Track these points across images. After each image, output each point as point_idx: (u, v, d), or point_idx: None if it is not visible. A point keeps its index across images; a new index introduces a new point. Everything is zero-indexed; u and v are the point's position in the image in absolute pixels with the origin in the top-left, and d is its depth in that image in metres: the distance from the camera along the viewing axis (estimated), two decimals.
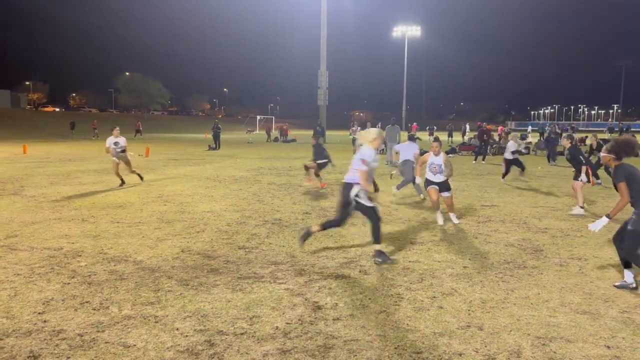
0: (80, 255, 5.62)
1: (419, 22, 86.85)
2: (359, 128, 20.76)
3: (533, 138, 33.77)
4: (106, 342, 3.47)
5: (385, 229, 7.12)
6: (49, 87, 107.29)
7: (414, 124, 49.40)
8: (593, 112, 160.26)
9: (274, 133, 40.71)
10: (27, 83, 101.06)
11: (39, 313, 3.99)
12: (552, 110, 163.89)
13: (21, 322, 3.83)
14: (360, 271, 5.16)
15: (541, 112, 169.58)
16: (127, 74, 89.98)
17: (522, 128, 62.80)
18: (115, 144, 11.50)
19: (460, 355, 3.27)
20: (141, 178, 12.20)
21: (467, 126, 41.47)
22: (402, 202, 9.50)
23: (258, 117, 70.02)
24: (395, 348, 3.40)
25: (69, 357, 3.26)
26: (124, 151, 11.54)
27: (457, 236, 6.77)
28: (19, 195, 9.97)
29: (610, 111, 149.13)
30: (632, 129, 54.68)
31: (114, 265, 5.25)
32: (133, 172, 11.93)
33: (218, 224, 7.42)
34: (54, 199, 9.61)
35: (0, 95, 79.09)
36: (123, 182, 11.61)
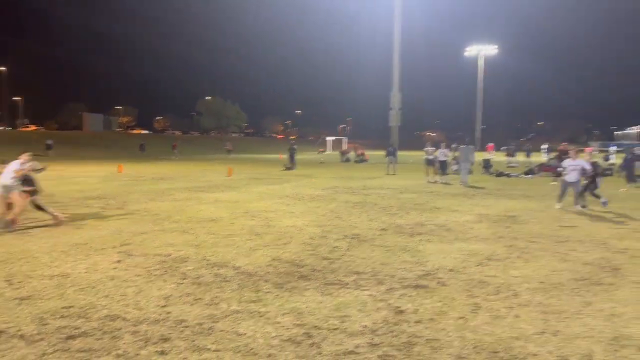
0: (186, 261, 6.41)
1: (495, 39, 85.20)
2: (433, 148, 20.76)
3: (617, 159, 32.07)
4: (221, 330, 4.11)
5: (461, 245, 7.41)
6: (137, 111, 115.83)
7: (490, 144, 48.29)
8: None
9: (352, 155, 41.34)
10: (118, 107, 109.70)
11: (162, 306, 4.73)
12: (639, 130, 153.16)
13: (148, 312, 4.57)
14: (438, 283, 5.52)
15: (628, 131, 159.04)
16: (208, 98, 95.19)
17: (605, 149, 59.35)
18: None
19: (534, 355, 3.59)
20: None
21: (546, 147, 40.04)
22: (478, 221, 9.67)
23: (329, 139, 71.46)
24: (474, 347, 3.76)
25: (193, 340, 3.92)
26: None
27: (534, 254, 6.93)
28: (123, 210, 11.17)
29: None
30: None
31: (217, 270, 5.96)
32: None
33: (302, 237, 8.04)
34: (155, 213, 10.70)
35: (94, 119, 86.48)
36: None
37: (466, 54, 78.55)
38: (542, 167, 24.18)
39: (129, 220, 9.70)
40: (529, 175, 22.60)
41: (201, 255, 6.71)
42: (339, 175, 23.68)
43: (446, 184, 18.33)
